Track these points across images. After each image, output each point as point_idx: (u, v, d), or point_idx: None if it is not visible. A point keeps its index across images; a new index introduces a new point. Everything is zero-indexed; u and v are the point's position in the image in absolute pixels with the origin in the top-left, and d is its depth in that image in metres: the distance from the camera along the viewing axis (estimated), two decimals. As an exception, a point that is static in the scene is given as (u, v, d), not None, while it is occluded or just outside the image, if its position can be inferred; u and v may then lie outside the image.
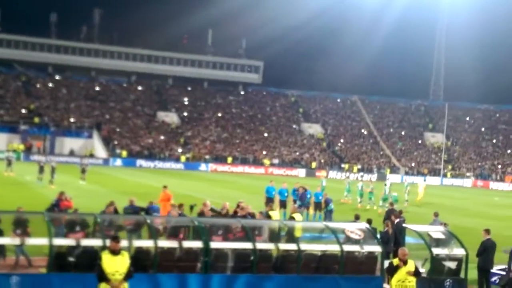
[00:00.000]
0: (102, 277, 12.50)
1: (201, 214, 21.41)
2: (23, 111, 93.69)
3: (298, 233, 18.98)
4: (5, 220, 16.03)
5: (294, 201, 34.23)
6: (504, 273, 20.46)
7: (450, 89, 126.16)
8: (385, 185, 47.07)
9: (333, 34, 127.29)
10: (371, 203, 43.31)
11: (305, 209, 33.89)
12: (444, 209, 44.44)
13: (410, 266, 14.17)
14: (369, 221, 20.75)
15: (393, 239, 21.19)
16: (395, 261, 14.30)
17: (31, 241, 15.69)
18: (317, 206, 34.23)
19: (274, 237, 18.65)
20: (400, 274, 14.03)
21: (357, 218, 21.69)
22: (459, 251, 18.28)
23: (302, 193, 34.00)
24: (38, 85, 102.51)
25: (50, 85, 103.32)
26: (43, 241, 15.08)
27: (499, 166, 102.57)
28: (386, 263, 17.76)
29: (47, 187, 43.16)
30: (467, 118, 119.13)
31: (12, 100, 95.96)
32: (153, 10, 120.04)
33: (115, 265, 12.53)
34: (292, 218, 22.33)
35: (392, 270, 14.19)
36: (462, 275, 18.06)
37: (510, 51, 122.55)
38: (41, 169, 47.27)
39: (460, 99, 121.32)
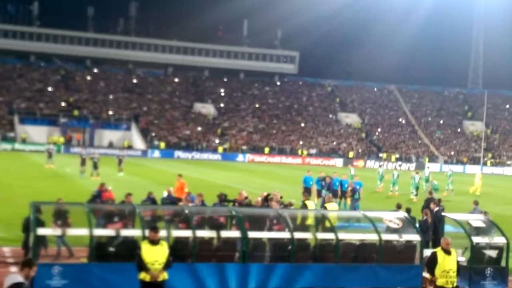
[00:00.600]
0: (142, 266, 12.65)
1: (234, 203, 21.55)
2: (63, 104, 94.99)
3: (334, 222, 18.93)
4: (46, 212, 16.28)
5: (319, 191, 34.30)
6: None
7: (489, 76, 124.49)
8: (423, 175, 46.55)
9: (368, 23, 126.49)
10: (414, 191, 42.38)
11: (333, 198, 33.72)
12: (485, 198, 43.91)
13: (454, 255, 14.09)
14: (408, 210, 20.61)
15: (432, 228, 21.01)
16: (437, 250, 14.20)
17: (72, 231, 15.93)
18: (343, 194, 34.11)
19: (311, 226, 18.64)
20: (445, 264, 13.92)
21: (398, 207, 21.54)
22: (499, 240, 18.05)
23: (329, 182, 33.70)
24: (76, 78, 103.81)
25: (89, 78, 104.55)
26: (83, 231, 15.28)
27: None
28: (426, 252, 17.68)
29: (88, 179, 43.69)
30: (507, 106, 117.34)
31: (52, 94, 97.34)
32: (189, 2, 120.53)
33: (154, 254, 12.66)
34: (325, 208, 22.32)
35: (433, 262, 14.06)
36: (503, 263, 17.84)
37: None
38: (83, 162, 47.67)
39: (499, 86, 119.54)
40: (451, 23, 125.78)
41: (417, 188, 42.32)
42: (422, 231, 19.15)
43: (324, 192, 32.17)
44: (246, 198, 21.76)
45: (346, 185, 34.53)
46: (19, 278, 9.87)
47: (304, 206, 22.23)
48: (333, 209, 22.28)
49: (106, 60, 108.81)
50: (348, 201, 33.89)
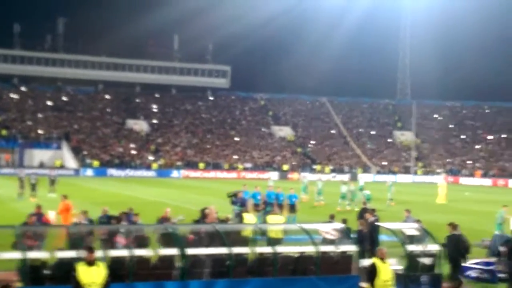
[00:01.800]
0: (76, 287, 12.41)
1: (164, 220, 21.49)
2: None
3: (279, 235, 19.06)
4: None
5: (256, 205, 34.06)
6: (478, 267, 20.71)
7: (416, 87, 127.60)
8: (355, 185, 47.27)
9: (298, 36, 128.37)
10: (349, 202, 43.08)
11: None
12: (417, 206, 44.84)
13: (388, 264, 14.34)
14: (343, 221, 20.83)
15: (368, 237, 21.30)
16: (375, 260, 14.40)
17: (4, 255, 15.48)
18: (279, 207, 34.05)
19: (249, 241, 18.67)
20: (384, 273, 14.11)
21: (332, 218, 21.75)
22: (433, 247, 18.45)
23: (241, 198, 31.72)
24: (4, 97, 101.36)
25: (16, 96, 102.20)
26: (16, 255, 14.88)
27: (469, 162, 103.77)
28: (362, 262, 17.92)
29: (24, 201, 42.54)
30: (435, 115, 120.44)
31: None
32: (118, 17, 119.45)
33: (91, 276, 12.44)
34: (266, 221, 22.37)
35: (374, 272, 14.24)
36: (437, 270, 18.24)
37: (472, 48, 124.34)
38: (22, 184, 46.43)
39: (427, 97, 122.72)
40: (379, 34, 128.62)
41: (343, 198, 43.37)
42: (358, 241, 19.40)
43: (236, 208, 29.89)
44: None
45: (281, 198, 34.67)
46: None
47: (241, 218, 22.23)
48: (277, 222, 22.39)
49: (34, 78, 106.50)
50: (285, 213, 33.97)
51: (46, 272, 15.15)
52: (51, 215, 24.17)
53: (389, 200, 47.64)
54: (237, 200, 30.48)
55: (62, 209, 26.08)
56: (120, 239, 16.98)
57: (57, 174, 55.61)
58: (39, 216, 21.35)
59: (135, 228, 18.91)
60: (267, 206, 32.18)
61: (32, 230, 17.42)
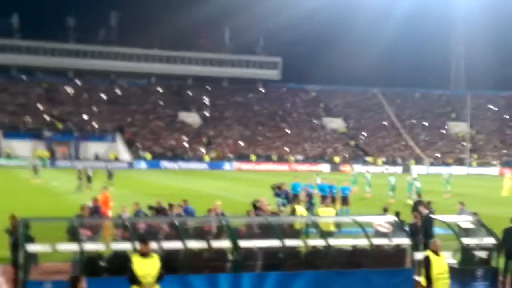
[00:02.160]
0: (134, 279, 12.57)
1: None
2: (46, 117, 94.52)
3: (331, 227, 19.01)
4: (35, 227, 16.14)
5: (323, 196, 34.05)
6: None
7: (471, 77, 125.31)
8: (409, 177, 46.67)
9: (348, 27, 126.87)
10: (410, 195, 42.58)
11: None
12: (472, 199, 44.12)
13: (443, 257, 14.18)
14: (397, 214, 20.63)
15: (422, 230, 21.05)
16: (428, 253, 14.25)
17: (62, 246, 15.80)
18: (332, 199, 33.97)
19: (302, 233, 18.67)
20: (438, 266, 13.96)
21: (385, 210, 21.56)
22: (489, 240, 18.12)
23: (286, 190, 31.50)
24: (59, 91, 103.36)
25: (72, 90, 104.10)
26: (73, 246, 15.18)
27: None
28: (417, 255, 17.73)
29: (80, 193, 43.38)
30: (490, 106, 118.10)
31: (35, 107, 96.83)
32: (169, 10, 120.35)
33: (146, 267, 12.59)
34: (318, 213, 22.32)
35: (429, 265, 14.10)
36: (493, 264, 17.92)
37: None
38: (80, 177, 47.34)
39: (482, 87, 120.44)
40: (431, 24, 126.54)
41: (392, 190, 43.08)
42: (412, 234, 19.18)
43: (280, 200, 29.88)
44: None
45: (334, 191, 34.58)
46: None
47: (293, 211, 22.21)
48: (329, 214, 22.32)
49: (88, 71, 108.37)
50: (338, 206, 33.91)
51: (102, 263, 15.42)
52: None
53: (447, 192, 46.85)
54: (280, 192, 30.25)
55: (102, 201, 25.81)
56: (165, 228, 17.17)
57: (113, 167, 56.33)
58: (95, 208, 21.70)
59: (188, 220, 19.06)
60: (311, 198, 31.96)
61: (89, 222, 17.72)
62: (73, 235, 15.59)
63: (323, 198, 34.04)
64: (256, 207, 22.07)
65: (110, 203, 26.16)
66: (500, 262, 18.16)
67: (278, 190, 30.21)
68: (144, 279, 12.51)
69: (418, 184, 42.16)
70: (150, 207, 21.39)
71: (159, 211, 20.95)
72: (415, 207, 24.69)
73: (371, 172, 49.38)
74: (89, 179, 46.40)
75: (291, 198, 29.98)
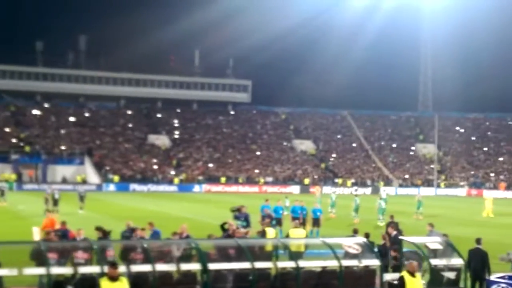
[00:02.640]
0: None
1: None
2: (14, 140, 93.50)
3: (301, 249, 19.00)
4: (1, 252, 15.88)
5: (263, 218, 34.02)
6: (504, 281, 20.44)
7: (438, 99, 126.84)
8: (380, 198, 46.95)
9: (318, 49, 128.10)
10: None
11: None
12: (440, 220, 44.50)
13: (418, 278, 14.26)
14: (366, 235, 20.70)
15: (389, 252, 21.09)
16: (404, 274, 14.31)
17: (29, 271, 15.56)
18: (303, 221, 34.10)
19: (271, 255, 18.62)
20: (412, 287, 14.00)
21: (355, 232, 21.63)
22: (457, 261, 18.28)
23: (245, 213, 29.50)
24: (27, 114, 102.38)
25: (39, 113, 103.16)
26: (40, 270, 14.96)
27: (492, 174, 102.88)
28: (386, 276, 17.78)
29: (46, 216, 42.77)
30: (457, 128, 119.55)
31: (2, 130, 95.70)
32: (139, 33, 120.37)
33: (114, 291, 12.46)
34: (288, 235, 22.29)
35: (403, 285, 14.14)
36: (461, 284, 18.05)
37: (495, 59, 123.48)
38: (47, 200, 46.67)
39: (449, 109, 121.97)
40: (399, 47, 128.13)
41: (356, 211, 43.73)
42: (381, 256, 19.24)
43: (239, 223, 27.84)
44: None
45: (305, 212, 34.65)
46: None
47: (264, 233, 22.17)
48: (299, 236, 22.33)
49: (56, 94, 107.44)
50: (308, 227, 33.93)
51: (69, 287, 15.21)
52: (35, 231, 24.00)
53: (419, 213, 47.02)
54: (240, 215, 28.92)
55: (46, 224, 25.24)
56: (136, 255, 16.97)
57: (85, 190, 55.34)
58: (64, 232, 21.42)
59: (157, 243, 18.90)
60: (272, 219, 31.64)
61: (56, 246, 17.46)
62: (39, 259, 15.35)
63: (294, 219, 34.17)
64: (224, 229, 22.00)
65: (56, 226, 25.58)
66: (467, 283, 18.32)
67: (238, 213, 28.97)
68: (112, 303, 12.38)
69: (383, 204, 42.50)
70: (97, 228, 21.06)
71: (105, 233, 20.71)
72: (387, 228, 24.78)
73: (336, 193, 49.64)
74: (55, 202, 45.83)
75: (250, 221, 29.24)
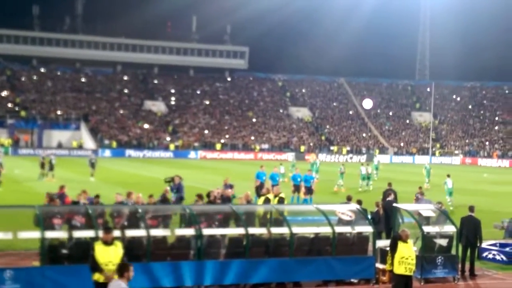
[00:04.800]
0: (95, 267, 12.55)
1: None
2: (9, 105, 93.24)
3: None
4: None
5: (295, 186, 34.41)
6: (495, 248, 20.69)
7: (435, 68, 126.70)
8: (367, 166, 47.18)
9: (316, 17, 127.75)
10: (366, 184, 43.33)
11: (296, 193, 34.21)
12: (434, 188, 44.74)
13: (410, 244, 14.43)
14: (359, 202, 20.83)
15: (383, 219, 21.28)
16: (398, 238, 14.46)
17: (23, 234, 15.68)
18: (308, 189, 34.32)
19: (267, 221, 18.77)
20: (403, 251, 14.16)
21: (349, 199, 21.74)
22: (449, 228, 18.46)
23: (178, 184, 27.25)
24: (23, 79, 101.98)
25: (35, 78, 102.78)
26: (35, 234, 15.08)
27: (487, 143, 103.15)
28: (379, 243, 17.97)
29: (43, 181, 42.93)
30: (454, 96, 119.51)
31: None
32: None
33: (108, 255, 12.56)
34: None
35: (395, 246, 14.30)
36: (453, 251, 18.25)
37: (493, 28, 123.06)
38: (42, 165, 46.62)
39: (446, 77, 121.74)
40: (397, 14, 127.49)
41: (367, 179, 43.72)
42: (374, 223, 19.41)
43: (173, 194, 25.99)
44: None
45: (298, 179, 34.81)
46: (123, 285, 10.49)
47: (268, 200, 22.00)
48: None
49: (53, 59, 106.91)
50: (302, 195, 34.15)
51: (64, 251, 15.34)
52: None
53: (426, 183, 46.97)
54: (174, 186, 27.05)
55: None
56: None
57: (95, 157, 54.05)
58: (62, 196, 21.51)
59: (154, 208, 19.02)
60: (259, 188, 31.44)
61: (56, 210, 17.55)
62: (43, 224, 15.41)
63: (295, 187, 34.41)
64: (207, 197, 21.87)
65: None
66: (458, 249, 18.52)
67: (172, 184, 27.10)
68: (106, 267, 12.49)
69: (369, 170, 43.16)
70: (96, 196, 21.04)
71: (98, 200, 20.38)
72: (384, 195, 24.97)
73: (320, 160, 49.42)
74: (51, 167, 45.85)
75: (182, 191, 26.87)
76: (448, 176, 37.59)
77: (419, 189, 26.57)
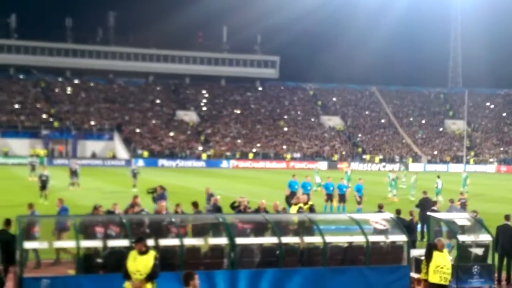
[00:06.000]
0: (125, 275, 12.79)
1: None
2: (44, 116, 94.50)
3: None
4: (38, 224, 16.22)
5: (328, 195, 34.40)
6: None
7: (468, 75, 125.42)
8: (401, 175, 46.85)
9: (346, 25, 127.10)
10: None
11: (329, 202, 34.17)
12: (470, 196, 44.18)
13: (446, 253, 14.31)
14: (398, 211, 20.71)
15: (415, 228, 21.11)
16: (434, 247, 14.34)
17: (59, 244, 15.86)
18: (341, 198, 34.25)
19: (300, 230, 18.69)
20: (438, 260, 14.03)
21: (380, 207, 21.60)
22: (485, 237, 18.20)
23: (161, 193, 27.16)
24: (57, 90, 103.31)
25: (69, 89, 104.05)
26: (70, 243, 15.22)
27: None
28: (413, 252, 17.80)
29: (75, 191, 43.34)
30: (487, 104, 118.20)
31: (32, 106, 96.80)
32: (167, 9, 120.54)
33: (137, 265, 12.71)
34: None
35: (430, 254, 14.18)
36: (489, 261, 17.99)
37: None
38: (73, 174, 47.13)
39: (479, 85, 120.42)
40: (428, 22, 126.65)
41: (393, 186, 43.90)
42: (409, 231, 19.24)
43: (155, 206, 25.06)
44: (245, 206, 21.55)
45: (331, 188, 34.73)
46: None
47: (300, 209, 21.96)
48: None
49: (86, 70, 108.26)
50: (335, 204, 34.04)
51: (98, 260, 15.46)
52: None
53: (465, 192, 46.12)
54: (157, 196, 26.74)
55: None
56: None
57: (137, 166, 53.31)
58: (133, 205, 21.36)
59: (187, 217, 19.09)
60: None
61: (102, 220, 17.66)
62: (86, 232, 15.63)
63: (328, 196, 34.36)
64: (234, 207, 21.89)
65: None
66: (494, 259, 18.26)
67: (156, 195, 26.80)
68: (134, 276, 12.64)
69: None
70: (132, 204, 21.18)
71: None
72: (420, 204, 24.79)
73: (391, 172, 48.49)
74: (75, 174, 46.12)
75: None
76: (438, 177, 41.97)
77: (460, 195, 26.31)
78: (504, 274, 18.70)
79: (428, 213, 21.20)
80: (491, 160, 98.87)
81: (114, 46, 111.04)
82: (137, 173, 48.07)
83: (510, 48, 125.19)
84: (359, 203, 33.79)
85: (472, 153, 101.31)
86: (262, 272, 16.18)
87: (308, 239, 17.54)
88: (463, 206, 24.42)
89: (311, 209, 21.94)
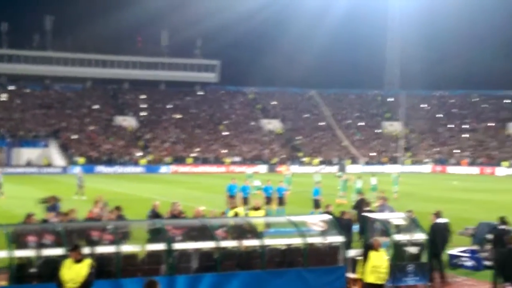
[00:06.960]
0: (58, 285, 12.62)
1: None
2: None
3: (261, 228, 19.07)
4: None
5: (244, 198, 34.50)
6: (466, 255, 20.86)
7: (405, 77, 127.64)
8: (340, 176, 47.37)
9: (285, 29, 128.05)
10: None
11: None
12: (405, 196, 45.06)
13: (383, 253, 14.51)
14: (342, 213, 20.96)
15: (349, 228, 21.36)
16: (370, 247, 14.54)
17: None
18: (280, 201, 34.43)
19: (238, 234, 18.70)
20: (375, 259, 14.23)
21: (327, 207, 21.80)
22: (420, 236, 18.57)
23: (54, 204, 25.63)
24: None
25: (4, 95, 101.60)
26: (2, 253, 14.88)
27: (458, 151, 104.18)
28: (349, 253, 18.03)
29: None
30: (423, 105, 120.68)
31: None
32: (105, 13, 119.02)
33: (71, 273, 12.53)
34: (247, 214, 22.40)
35: (366, 253, 14.38)
36: (424, 259, 18.36)
37: (460, 37, 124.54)
38: None
39: (415, 87, 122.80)
40: (366, 25, 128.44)
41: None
42: (345, 232, 19.46)
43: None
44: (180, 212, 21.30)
45: (270, 191, 34.90)
46: None
47: (236, 214, 22.08)
48: (259, 215, 22.33)
49: (22, 76, 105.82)
50: (274, 206, 34.19)
51: (32, 270, 15.16)
52: None
53: (395, 192, 46.84)
54: (50, 207, 25.46)
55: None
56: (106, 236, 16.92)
57: (82, 175, 52.59)
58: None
59: (123, 224, 18.87)
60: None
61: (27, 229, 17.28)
62: (18, 242, 15.29)
63: (268, 199, 34.50)
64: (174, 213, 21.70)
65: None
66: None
67: (49, 205, 25.61)
68: (67, 285, 12.44)
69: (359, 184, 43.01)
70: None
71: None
72: (357, 205, 25.08)
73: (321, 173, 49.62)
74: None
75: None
76: (373, 175, 45.72)
77: (381, 193, 26.93)
78: (438, 273, 19.08)
79: (363, 213, 21.50)
80: (426, 160, 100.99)
81: (51, 51, 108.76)
82: (83, 180, 47.41)
83: (445, 50, 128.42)
84: (277, 204, 34.22)
85: (409, 154, 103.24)
86: (201, 277, 16.15)
87: (246, 243, 17.57)
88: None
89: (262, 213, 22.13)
